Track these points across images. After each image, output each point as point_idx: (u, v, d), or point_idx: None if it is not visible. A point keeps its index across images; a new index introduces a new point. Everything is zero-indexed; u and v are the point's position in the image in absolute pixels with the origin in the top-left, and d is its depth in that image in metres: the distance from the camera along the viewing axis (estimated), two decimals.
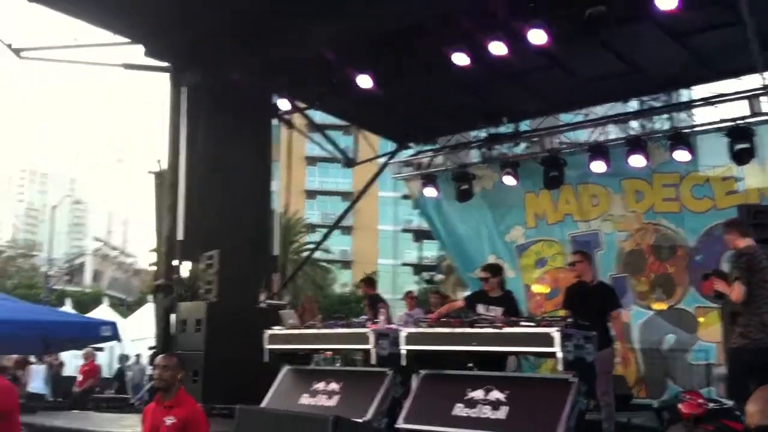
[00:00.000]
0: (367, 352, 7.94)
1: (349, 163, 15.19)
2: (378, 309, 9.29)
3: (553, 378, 6.70)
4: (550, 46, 9.60)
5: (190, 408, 4.75)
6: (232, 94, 11.77)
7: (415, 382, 7.58)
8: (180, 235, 11.64)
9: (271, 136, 13.11)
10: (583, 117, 12.84)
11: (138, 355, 18.11)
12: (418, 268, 36.89)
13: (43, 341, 13.74)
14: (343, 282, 46.04)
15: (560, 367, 6.25)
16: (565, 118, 13.64)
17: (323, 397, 8.12)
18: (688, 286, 11.09)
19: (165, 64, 12.17)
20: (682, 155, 10.98)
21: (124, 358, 17.99)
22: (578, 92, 11.78)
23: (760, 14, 8.35)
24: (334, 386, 8.18)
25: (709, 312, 10.50)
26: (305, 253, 30.57)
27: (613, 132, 12.17)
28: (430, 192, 13.84)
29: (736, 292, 5.78)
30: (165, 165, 11.97)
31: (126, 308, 37.22)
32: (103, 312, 22.51)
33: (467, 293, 10.17)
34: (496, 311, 7.72)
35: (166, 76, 12.18)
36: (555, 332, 6.30)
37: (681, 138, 11.02)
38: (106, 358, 18.30)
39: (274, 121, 13.20)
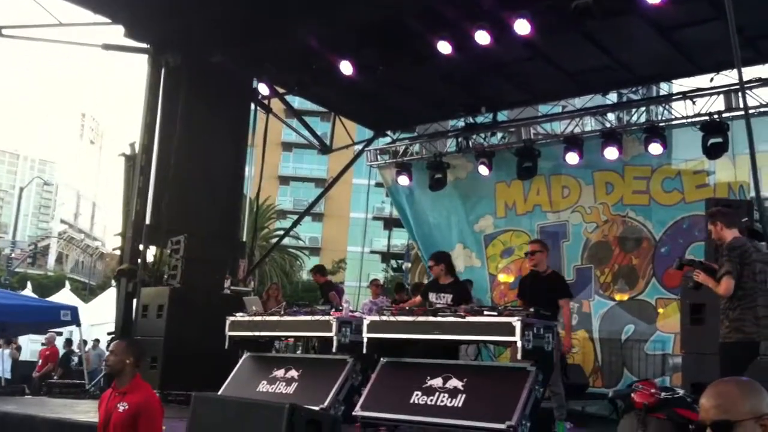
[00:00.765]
0: (327, 339, 7.87)
1: (325, 149, 15.09)
2: (329, 297, 9.23)
3: (512, 367, 6.69)
4: (534, 37, 9.55)
5: (143, 395, 4.62)
6: (211, 77, 11.66)
7: (375, 370, 7.53)
8: (148, 219, 11.50)
9: (249, 120, 12.97)
10: (561, 108, 12.83)
11: (96, 341, 17.87)
12: (387, 256, 36.91)
13: (1, 325, 13.51)
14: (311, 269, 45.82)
15: (519, 355, 6.24)
16: (544, 109, 13.64)
17: (282, 385, 8.04)
18: (651, 278, 11.16)
19: (144, 45, 12.00)
20: (655, 148, 11.01)
21: (69, 342, 17.70)
22: (559, 84, 11.76)
23: (741, 9, 8.35)
24: (293, 374, 8.10)
25: (669, 303, 10.59)
26: (275, 240, 30.40)
27: (589, 124, 12.16)
28: (403, 180, 13.82)
29: (726, 286, 5.71)
30: (138, 148, 11.80)
31: (89, 293, 36.83)
32: (64, 296, 22.19)
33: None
34: (447, 298, 7.78)
35: (144, 58, 12.00)
36: (516, 321, 6.29)
37: (656, 131, 11.04)
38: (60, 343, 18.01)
39: (252, 106, 13.05)
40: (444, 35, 9.83)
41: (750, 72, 10.40)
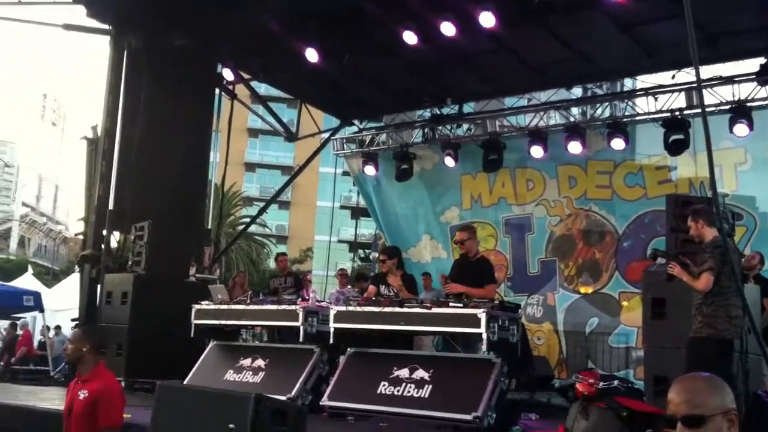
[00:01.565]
0: (293, 329, 7.90)
1: (291, 137, 15.02)
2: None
3: (477, 358, 6.77)
4: (499, 30, 9.61)
5: (102, 382, 4.64)
6: (174, 61, 11.49)
7: (341, 360, 7.57)
8: (111, 204, 11.36)
9: (213, 105, 12.85)
10: (526, 102, 12.92)
11: (57, 327, 17.67)
12: (354, 245, 36.92)
13: None
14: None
15: (484, 347, 6.32)
16: (509, 102, 13.73)
17: (249, 374, 8.05)
18: (614, 272, 11.34)
19: (106, 26, 11.80)
20: (618, 143, 11.17)
21: (14, 326, 17.44)
22: (524, 77, 11.84)
23: (701, 7, 8.49)
24: (260, 363, 8.11)
25: (632, 297, 10.77)
26: (241, 227, 30.23)
27: (554, 118, 12.29)
28: (369, 170, 13.84)
29: (706, 281, 5.83)
30: (100, 132, 11.63)
31: (52, 278, 36.31)
32: (27, 281, 21.86)
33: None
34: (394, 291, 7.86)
35: (106, 39, 11.82)
36: (481, 313, 6.37)
37: (618, 126, 11.20)
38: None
39: (217, 91, 12.93)
40: (409, 25, 9.86)
41: (710, 70, 10.61)
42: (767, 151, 10.37)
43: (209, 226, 13.24)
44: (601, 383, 1.97)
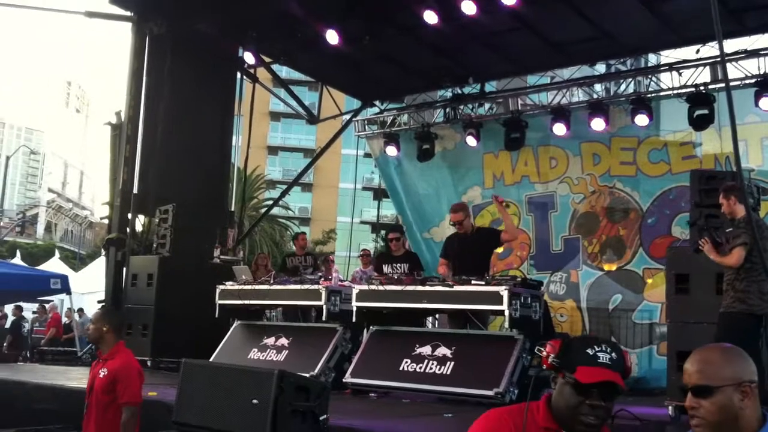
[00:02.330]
0: (317, 308, 7.96)
1: (313, 119, 15.03)
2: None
3: (499, 335, 6.79)
4: (520, 7, 9.52)
5: (121, 361, 4.73)
6: (196, 46, 11.58)
7: (364, 338, 7.62)
8: (135, 189, 11.49)
9: (235, 90, 12.91)
10: (549, 80, 12.83)
11: (81, 309, 17.89)
12: (377, 226, 36.98)
13: None
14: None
15: (507, 324, 6.33)
16: (531, 80, 13.62)
17: (272, 352, 8.14)
18: (638, 248, 11.26)
19: (129, 13, 11.88)
20: (642, 119, 11.05)
21: (19, 308, 17.66)
22: (546, 55, 11.72)
23: None
24: (283, 341, 8.20)
25: (656, 273, 10.69)
26: (264, 210, 30.38)
27: (577, 95, 12.18)
28: (391, 151, 13.81)
29: (738, 256, 5.83)
30: (124, 117, 11.74)
31: (78, 261, 36.77)
32: (54, 265, 22.17)
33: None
34: (403, 267, 8.01)
35: (129, 26, 11.90)
36: (504, 290, 6.39)
37: (642, 102, 11.07)
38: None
39: (239, 75, 12.98)
40: (430, 4, 9.80)
41: (735, 44, 10.46)
42: None
43: (232, 209, 13.34)
44: (551, 356, 2.02)
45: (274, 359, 8.01)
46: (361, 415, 5.88)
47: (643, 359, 10.70)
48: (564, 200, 12.15)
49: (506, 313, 6.34)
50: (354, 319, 7.64)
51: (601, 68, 12.96)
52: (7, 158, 44.95)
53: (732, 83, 9.67)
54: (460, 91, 13.20)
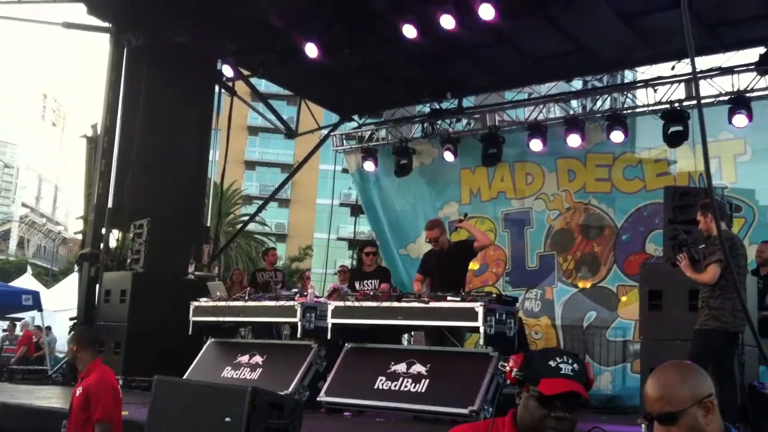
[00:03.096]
0: (291, 324, 7.90)
1: (291, 134, 15.00)
2: None
3: (474, 352, 6.76)
4: (498, 22, 9.55)
5: (96, 377, 4.72)
6: (174, 58, 11.50)
7: (339, 355, 7.57)
8: (110, 203, 11.36)
9: (213, 103, 12.84)
10: (526, 95, 12.89)
11: (48, 327, 17.63)
12: (354, 242, 36.92)
13: None
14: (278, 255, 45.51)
15: (482, 341, 6.31)
16: (509, 95, 13.70)
17: (246, 370, 8.05)
18: (613, 265, 11.30)
19: (107, 24, 11.80)
20: (617, 136, 11.13)
21: (12, 326, 17.39)
22: (524, 70, 11.80)
23: None
24: (257, 359, 8.11)
25: (630, 290, 10.73)
26: (240, 225, 30.20)
27: (554, 111, 12.25)
28: (369, 166, 13.81)
29: (713, 273, 5.86)
30: (100, 130, 11.63)
31: (51, 278, 36.31)
32: (26, 281, 21.86)
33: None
34: (374, 284, 8.12)
35: (106, 37, 11.81)
36: (479, 307, 6.37)
37: (618, 119, 11.16)
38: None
39: (217, 89, 12.92)
40: (409, 18, 9.82)
41: (710, 61, 10.57)
42: (767, 142, 10.31)
43: (208, 224, 13.23)
44: (515, 371, 2.04)
45: (248, 377, 7.92)
46: None
47: (617, 377, 10.71)
48: (540, 216, 12.19)
49: (481, 329, 6.33)
50: (329, 336, 7.58)
51: (577, 84, 13.06)
52: None
53: (706, 100, 9.83)
54: (438, 107, 13.24)
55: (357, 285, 8.15)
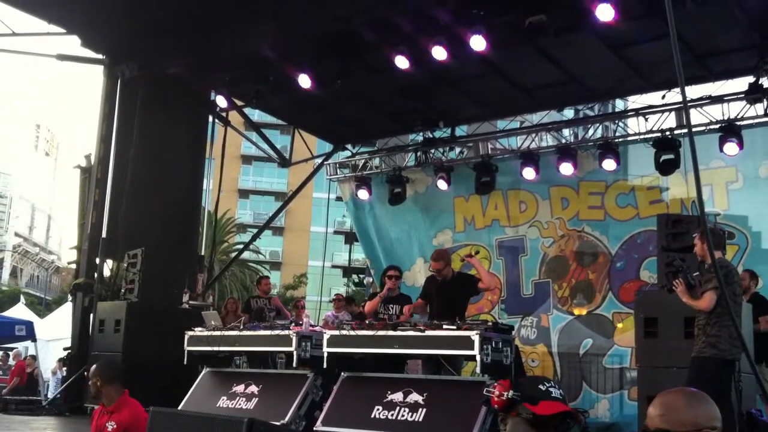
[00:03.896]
0: (287, 354, 7.88)
1: (285, 163, 15.05)
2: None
3: (471, 380, 6.75)
4: (490, 53, 9.66)
5: (129, 413, 4.76)
6: (168, 89, 11.58)
7: (336, 384, 7.54)
8: (104, 233, 11.36)
9: (207, 133, 12.90)
10: (518, 124, 12.99)
11: (32, 356, 17.52)
12: (348, 270, 36.89)
13: None
14: (272, 283, 45.35)
15: (478, 369, 6.30)
16: (501, 124, 13.81)
17: (242, 400, 8.01)
18: (608, 292, 11.32)
19: (100, 56, 11.90)
20: (609, 164, 11.21)
21: (6, 356, 17.27)
22: (515, 99, 11.91)
23: (691, 27, 8.59)
24: (253, 389, 8.07)
25: (626, 317, 10.73)
26: (234, 254, 30.16)
27: (546, 139, 12.34)
28: (363, 194, 13.86)
29: (709, 301, 5.86)
30: (93, 160, 11.66)
31: (44, 308, 36.12)
32: (19, 311, 21.72)
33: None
34: (396, 309, 8.14)
35: (100, 69, 11.88)
36: (475, 335, 6.37)
37: (609, 147, 11.24)
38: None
39: (210, 118, 12.98)
40: (401, 50, 9.91)
41: (700, 90, 10.68)
42: (758, 169, 10.39)
43: (202, 253, 13.22)
44: (511, 392, 2.03)
45: (244, 407, 7.87)
46: None
47: (614, 404, 10.68)
48: (534, 244, 12.23)
49: (477, 358, 6.32)
50: (325, 365, 7.56)
51: (569, 113, 13.18)
52: None
53: (697, 128, 9.91)
54: (430, 135, 13.32)
55: (381, 309, 8.14)
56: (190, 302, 10.86)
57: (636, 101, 11.66)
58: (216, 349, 8.68)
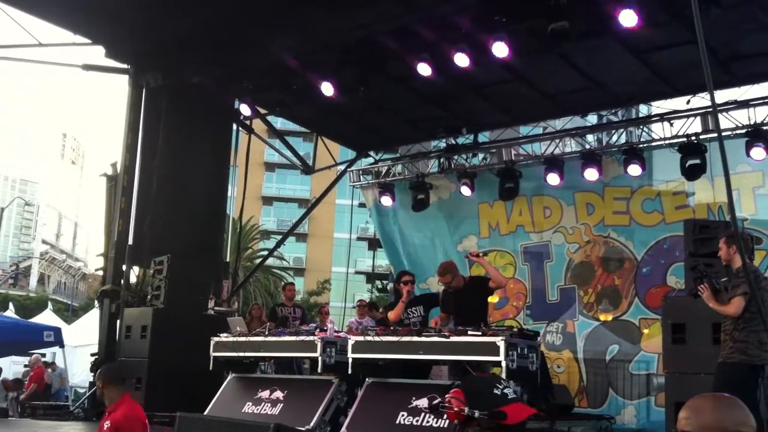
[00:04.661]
0: (312, 360, 7.90)
1: (308, 170, 15.13)
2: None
3: None
4: (512, 60, 9.65)
5: (123, 411, 4.87)
6: (192, 97, 11.68)
7: (360, 390, 7.55)
8: (130, 240, 11.48)
9: (231, 141, 13.00)
10: (541, 130, 12.96)
11: (52, 363, 17.66)
12: (372, 276, 36.89)
13: None
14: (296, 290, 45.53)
15: (504, 375, 6.27)
16: (524, 130, 13.77)
17: (267, 406, 8.04)
18: (634, 298, 11.24)
19: (125, 66, 12.03)
20: (634, 169, 11.15)
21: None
22: (538, 105, 11.90)
23: (715, 32, 8.53)
24: (278, 395, 8.10)
25: (652, 323, 10.65)
26: (259, 260, 30.30)
27: (570, 145, 12.30)
28: (386, 201, 13.90)
29: (737, 306, 5.81)
30: (119, 168, 11.80)
31: (71, 314, 36.50)
32: (47, 317, 21.95)
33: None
34: (419, 311, 8.25)
35: (125, 78, 12.02)
36: (500, 341, 6.34)
37: (635, 152, 11.19)
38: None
39: (234, 126, 13.09)
40: (424, 57, 9.93)
41: (724, 94, 10.61)
42: None
43: (227, 260, 13.31)
44: (476, 412, 1.96)
45: (269, 413, 7.91)
46: None
47: (641, 411, 10.60)
48: (559, 250, 12.18)
49: (503, 364, 6.29)
50: (350, 371, 7.57)
51: (593, 119, 13.11)
52: (2, 210, 44.88)
53: (723, 133, 9.82)
54: (453, 142, 13.34)
55: (402, 315, 8.20)
56: (216, 308, 10.95)
57: (660, 106, 11.60)
58: (241, 354, 8.73)
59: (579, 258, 11.96)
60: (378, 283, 35.78)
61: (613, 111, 12.75)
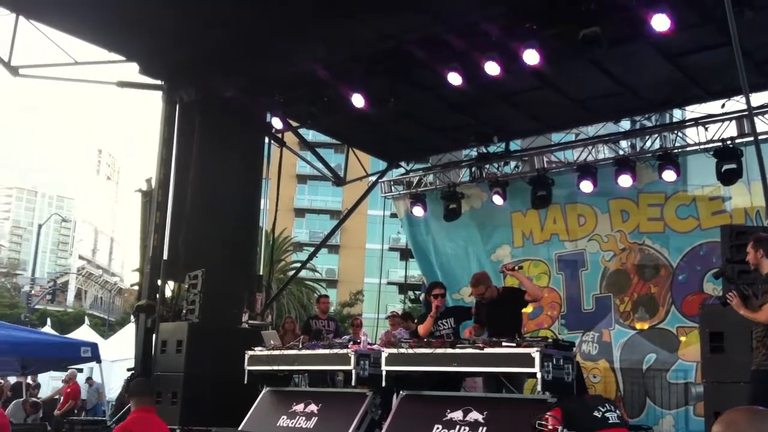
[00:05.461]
0: (346, 372, 7.89)
1: (340, 181, 15.17)
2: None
3: (532, 398, 6.65)
4: (543, 67, 9.59)
5: (125, 423, 5.17)
6: (225, 112, 11.79)
7: (394, 403, 7.52)
8: (165, 255, 11.58)
9: (263, 153, 13.10)
10: (573, 137, 12.86)
11: (89, 378, 17.83)
12: (404, 287, 36.86)
13: (22, 362, 13.55)
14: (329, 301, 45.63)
15: (539, 387, 6.20)
16: (556, 137, 13.67)
17: (302, 419, 8.04)
18: (671, 306, 11.07)
19: (159, 81, 12.18)
20: (669, 175, 11.01)
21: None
22: (570, 112, 11.82)
23: (749, 35, 8.41)
24: (312, 408, 8.10)
25: (690, 331, 10.48)
26: (291, 272, 30.43)
27: (603, 151, 12.18)
28: (418, 211, 13.88)
29: (767, 313, 5.72)
30: (154, 184, 11.92)
31: (108, 329, 36.94)
32: (84, 332, 22.24)
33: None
34: (450, 323, 8.25)
35: (159, 94, 12.19)
36: (535, 352, 6.27)
37: (669, 158, 11.04)
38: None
39: (266, 139, 13.19)
40: (454, 66, 9.90)
41: (760, 97, 10.44)
42: None
43: (261, 272, 13.37)
44: (560, 429, 1.90)
45: (304, 426, 7.91)
46: None
47: (679, 420, 10.42)
48: (594, 258, 12.04)
49: (538, 375, 6.21)
50: (384, 384, 7.55)
51: (625, 124, 12.99)
52: (39, 226, 45.67)
53: (759, 137, 9.65)
54: (485, 150, 13.28)
55: (432, 328, 8.20)
56: (250, 322, 11.00)
57: (694, 111, 11.44)
58: (276, 368, 8.74)
59: (614, 266, 11.82)
60: (411, 293, 35.82)
61: (646, 116, 12.61)
